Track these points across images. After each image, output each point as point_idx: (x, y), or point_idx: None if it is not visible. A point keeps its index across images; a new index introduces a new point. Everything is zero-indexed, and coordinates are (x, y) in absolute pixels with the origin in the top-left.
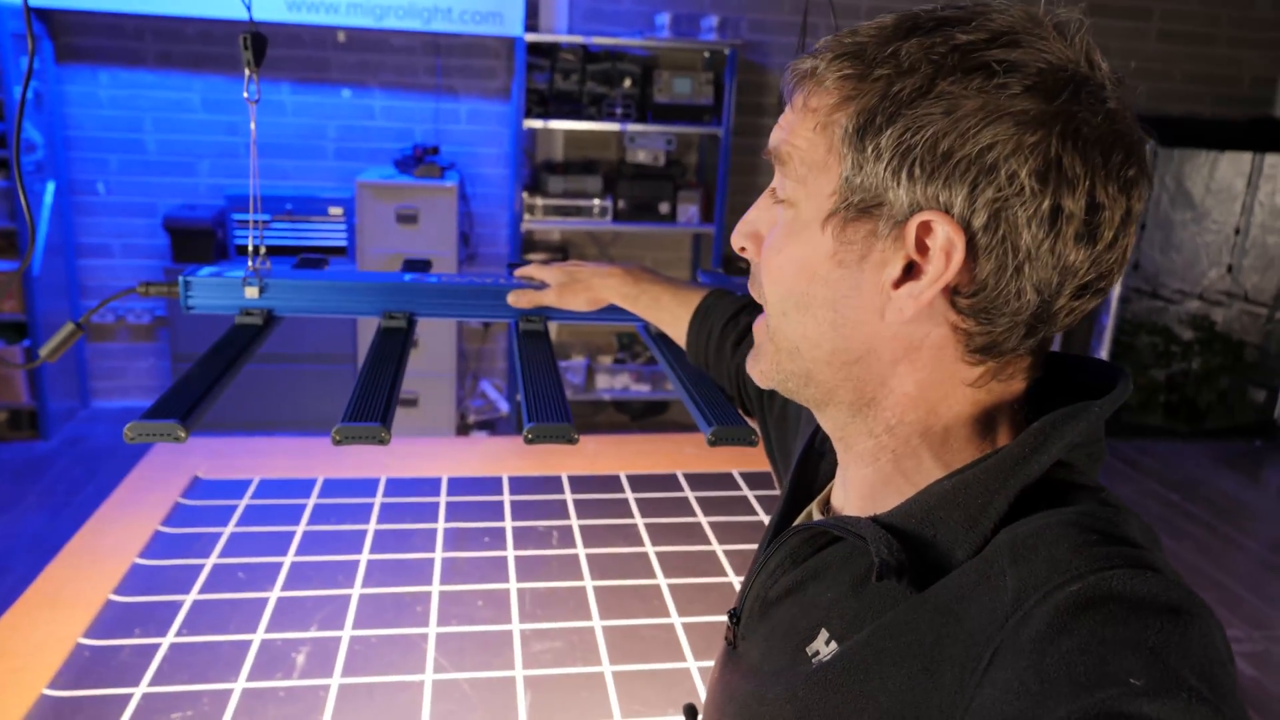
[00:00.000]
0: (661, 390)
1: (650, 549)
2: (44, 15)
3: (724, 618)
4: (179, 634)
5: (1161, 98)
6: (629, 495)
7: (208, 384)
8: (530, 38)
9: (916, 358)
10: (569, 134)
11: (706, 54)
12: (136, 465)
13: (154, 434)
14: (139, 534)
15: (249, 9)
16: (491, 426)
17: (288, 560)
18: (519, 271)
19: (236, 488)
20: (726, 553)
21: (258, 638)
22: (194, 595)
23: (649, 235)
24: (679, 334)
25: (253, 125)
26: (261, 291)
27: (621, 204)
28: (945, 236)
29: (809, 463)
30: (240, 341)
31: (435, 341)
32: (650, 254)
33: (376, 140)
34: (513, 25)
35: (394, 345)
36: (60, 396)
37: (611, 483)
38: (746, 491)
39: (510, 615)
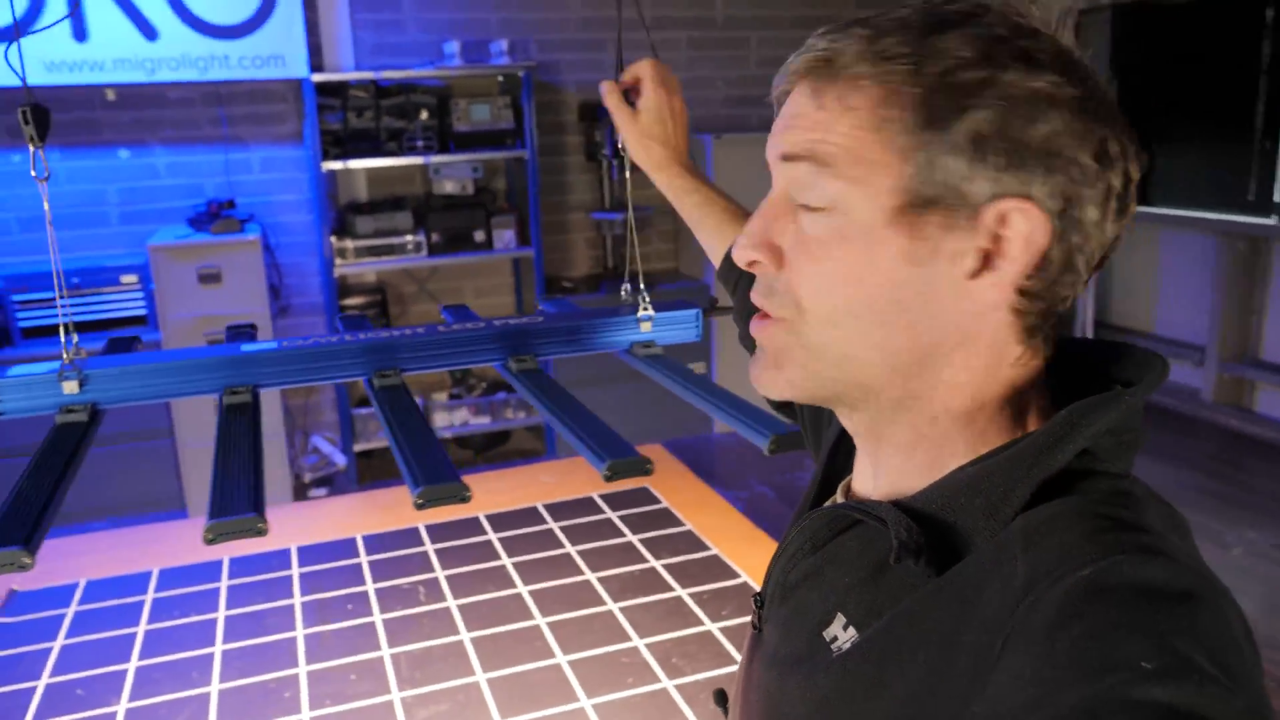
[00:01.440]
0: (502, 420)
1: (523, 589)
2: None
3: (612, 648)
4: None
5: None
6: (491, 535)
7: (45, 498)
8: (317, 78)
9: (975, 346)
10: (371, 172)
11: (501, 78)
12: None
13: None
14: None
15: (23, 78)
16: (330, 482)
17: (132, 666)
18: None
19: (61, 595)
20: (601, 580)
21: None
22: None
23: (466, 265)
24: (712, 246)
25: (46, 205)
26: (82, 385)
27: (435, 237)
28: (1028, 224)
29: (841, 448)
30: (68, 443)
31: None
32: (471, 282)
33: (165, 199)
34: (297, 67)
35: (243, 422)
36: None
37: (472, 526)
38: (610, 514)
39: (388, 684)
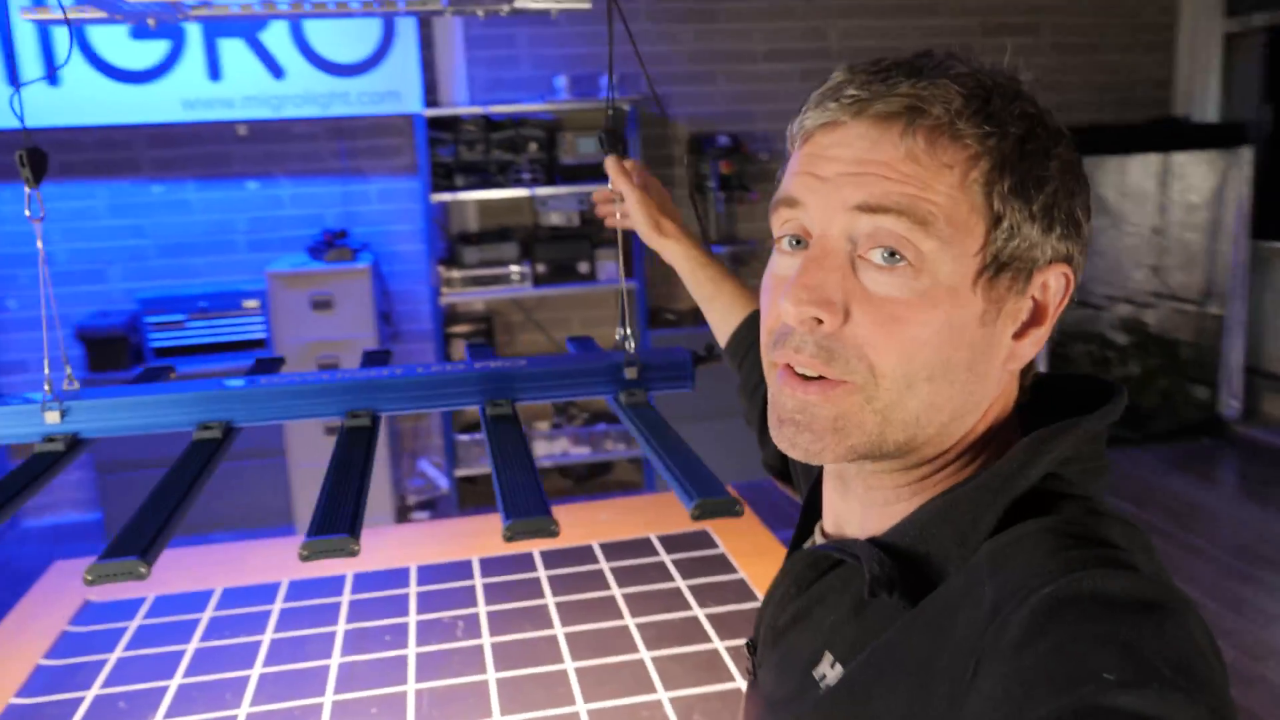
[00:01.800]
0: (602, 451)
1: (559, 630)
2: None
3: (634, 699)
4: None
5: (1062, 109)
6: (541, 573)
7: (167, 512)
8: (430, 113)
9: (1000, 397)
10: (481, 204)
11: (609, 111)
12: (26, 594)
13: (114, 574)
14: (18, 670)
15: (21, 118)
16: (433, 506)
17: (174, 684)
18: (600, 193)
19: (128, 608)
20: (640, 625)
21: None
22: None
23: (572, 296)
24: (724, 321)
25: (39, 244)
26: (63, 415)
27: (540, 268)
28: (1063, 286)
29: (819, 490)
30: (198, 460)
31: (356, 364)
32: (578, 313)
33: (287, 229)
34: (412, 102)
35: (360, 447)
36: None
37: (524, 561)
38: (664, 556)
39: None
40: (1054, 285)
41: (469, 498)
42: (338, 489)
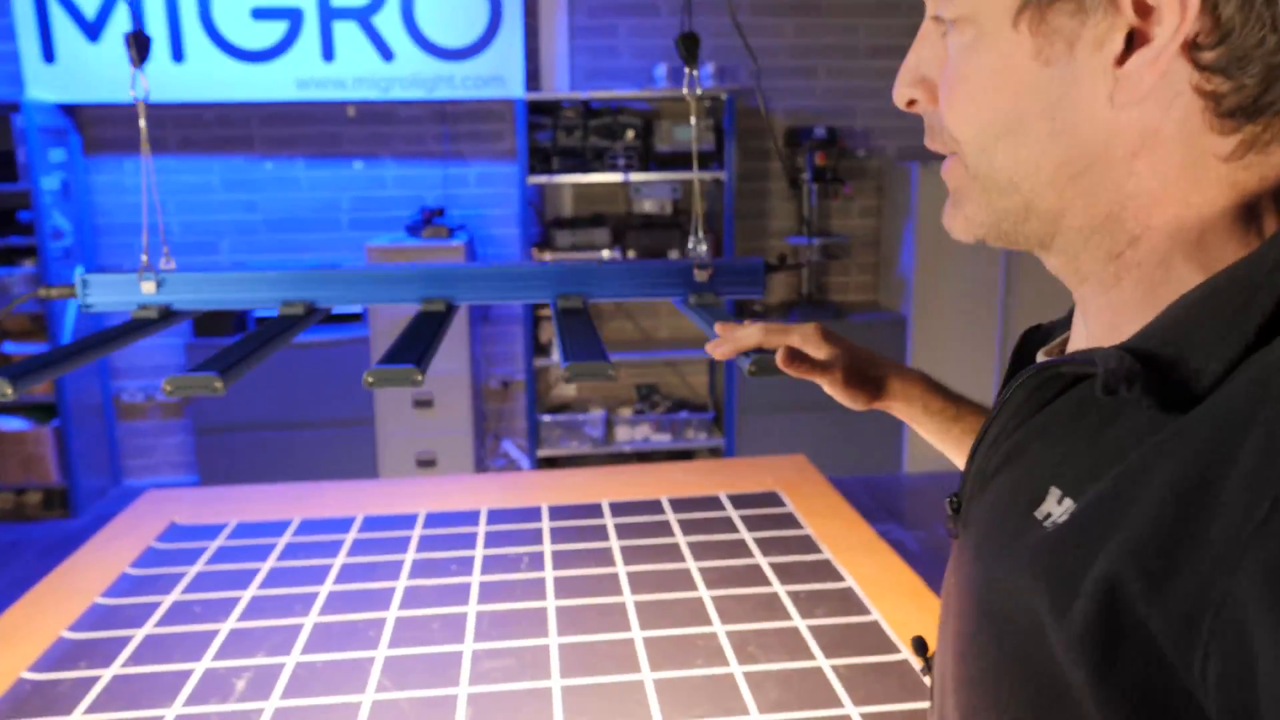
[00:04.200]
0: (683, 439)
1: (621, 568)
2: (71, 110)
3: (690, 630)
4: (123, 666)
5: None
6: (608, 520)
7: (249, 350)
8: (531, 96)
9: (1158, 144)
10: (576, 190)
11: (708, 102)
12: (118, 514)
13: (193, 387)
14: (106, 576)
15: (136, 16)
16: None
17: (247, 594)
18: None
19: (211, 531)
20: (702, 569)
21: (201, 666)
22: (146, 630)
23: None
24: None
25: (142, 123)
26: (159, 286)
27: (631, 253)
28: None
29: (1026, 348)
30: (281, 326)
31: (452, 400)
32: (667, 303)
33: (389, 209)
34: (514, 87)
35: (433, 321)
36: (91, 475)
37: (592, 510)
38: (731, 511)
39: (464, 636)
40: None
41: None
42: (408, 340)
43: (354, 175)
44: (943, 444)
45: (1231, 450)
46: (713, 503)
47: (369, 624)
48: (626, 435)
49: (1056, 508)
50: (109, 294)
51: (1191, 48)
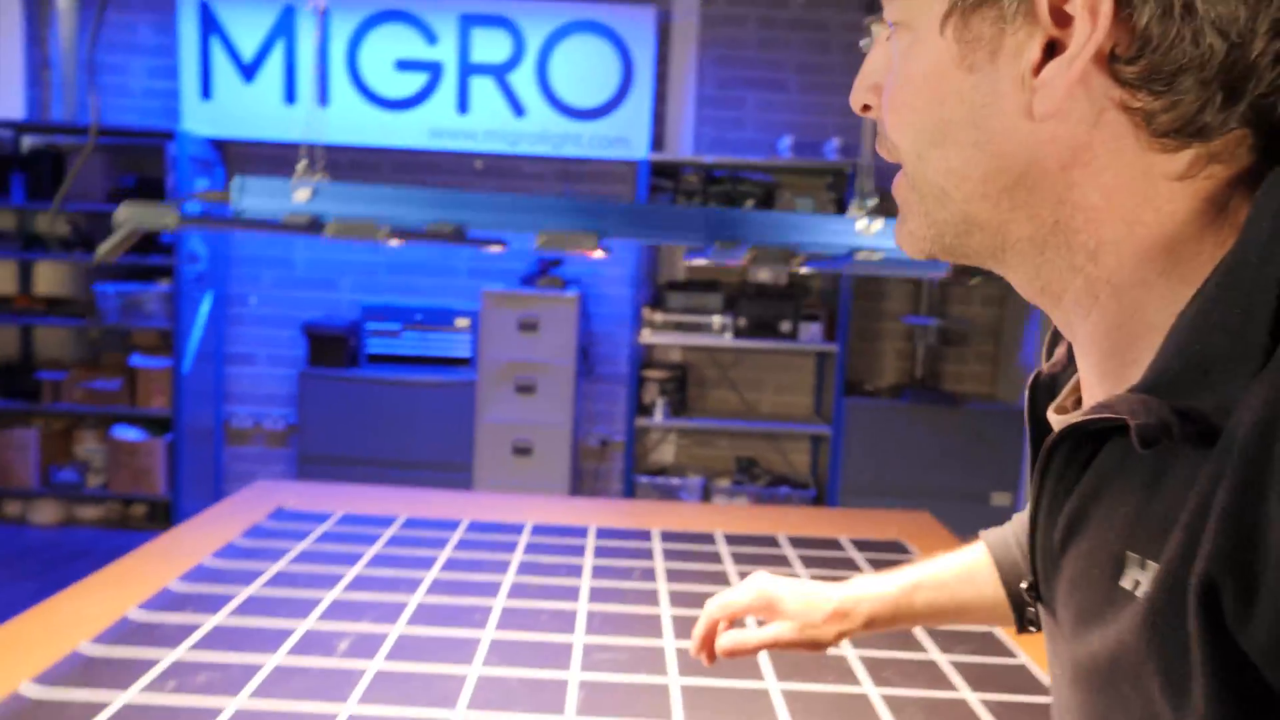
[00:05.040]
0: None
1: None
2: (220, 145)
3: None
4: (228, 616)
5: None
6: (723, 549)
7: None
8: (654, 157)
9: (1090, 159)
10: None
11: (830, 177)
12: (230, 495)
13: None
14: (215, 542)
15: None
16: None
17: (352, 572)
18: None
19: (318, 517)
20: None
21: (304, 626)
22: (250, 590)
23: (770, 356)
24: (986, 596)
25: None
26: (313, 194)
27: (742, 321)
28: None
29: (1037, 394)
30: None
31: (551, 451)
32: (772, 376)
33: (506, 261)
34: (639, 149)
35: None
36: (195, 494)
37: (705, 539)
38: (852, 552)
39: (574, 628)
40: None
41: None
42: None
43: None
44: (924, 618)
45: (1270, 464)
46: (833, 544)
47: (475, 608)
48: (724, 503)
49: (1141, 573)
50: (263, 198)
51: (1110, 60)
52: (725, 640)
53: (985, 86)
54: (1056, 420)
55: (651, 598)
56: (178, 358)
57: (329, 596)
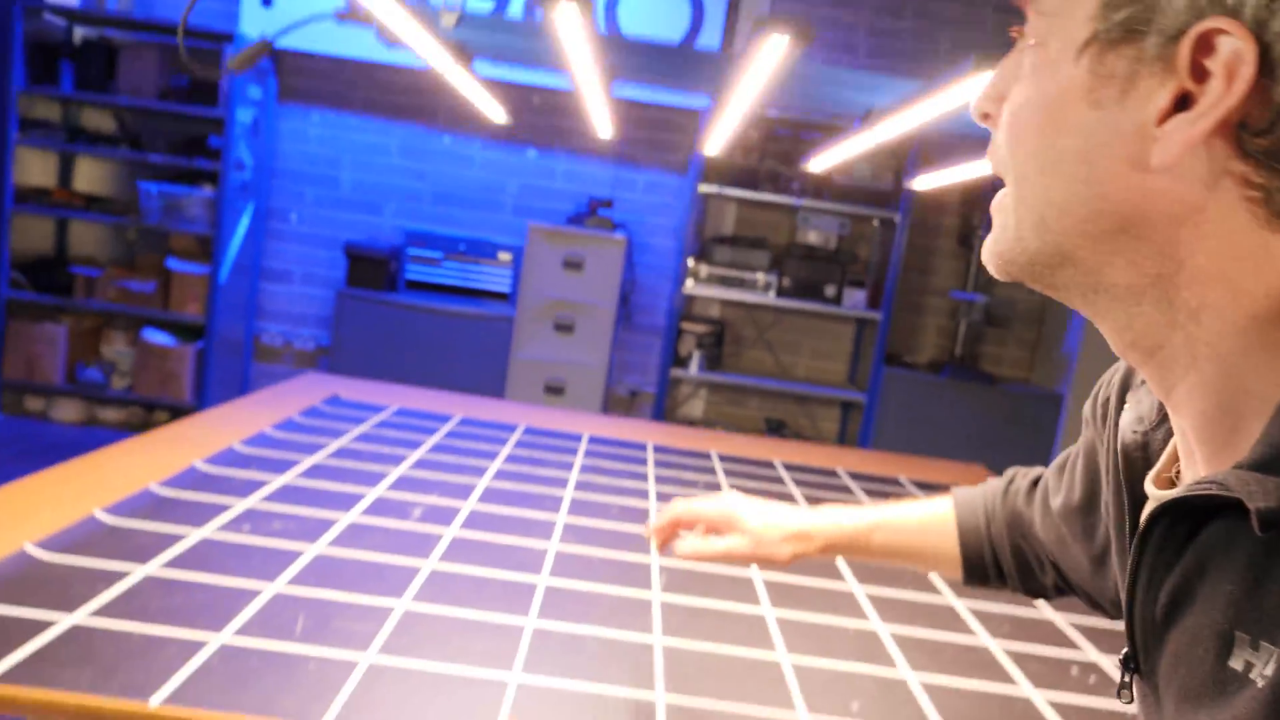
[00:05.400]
0: None
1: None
2: (274, 54)
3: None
4: (297, 477)
5: None
6: (781, 473)
7: None
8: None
9: (1201, 221)
10: (741, 212)
11: (890, 146)
12: (287, 380)
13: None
14: (275, 417)
15: None
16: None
17: (416, 454)
18: (659, 523)
19: (374, 408)
20: None
21: (374, 493)
22: (316, 459)
23: (810, 321)
24: (941, 549)
25: None
26: (458, 21)
27: (786, 281)
28: (1230, 49)
29: (1130, 460)
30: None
31: (584, 392)
32: (809, 341)
33: (553, 200)
34: (701, 98)
35: None
36: (219, 405)
37: (766, 465)
38: (911, 488)
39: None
40: (1224, 49)
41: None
42: None
43: (525, 162)
44: (877, 554)
45: None
46: (893, 482)
47: (546, 496)
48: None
49: (1254, 655)
50: (408, 23)
51: (1240, 129)
52: (686, 546)
53: (1107, 125)
54: (1158, 493)
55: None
56: (216, 265)
57: (395, 472)
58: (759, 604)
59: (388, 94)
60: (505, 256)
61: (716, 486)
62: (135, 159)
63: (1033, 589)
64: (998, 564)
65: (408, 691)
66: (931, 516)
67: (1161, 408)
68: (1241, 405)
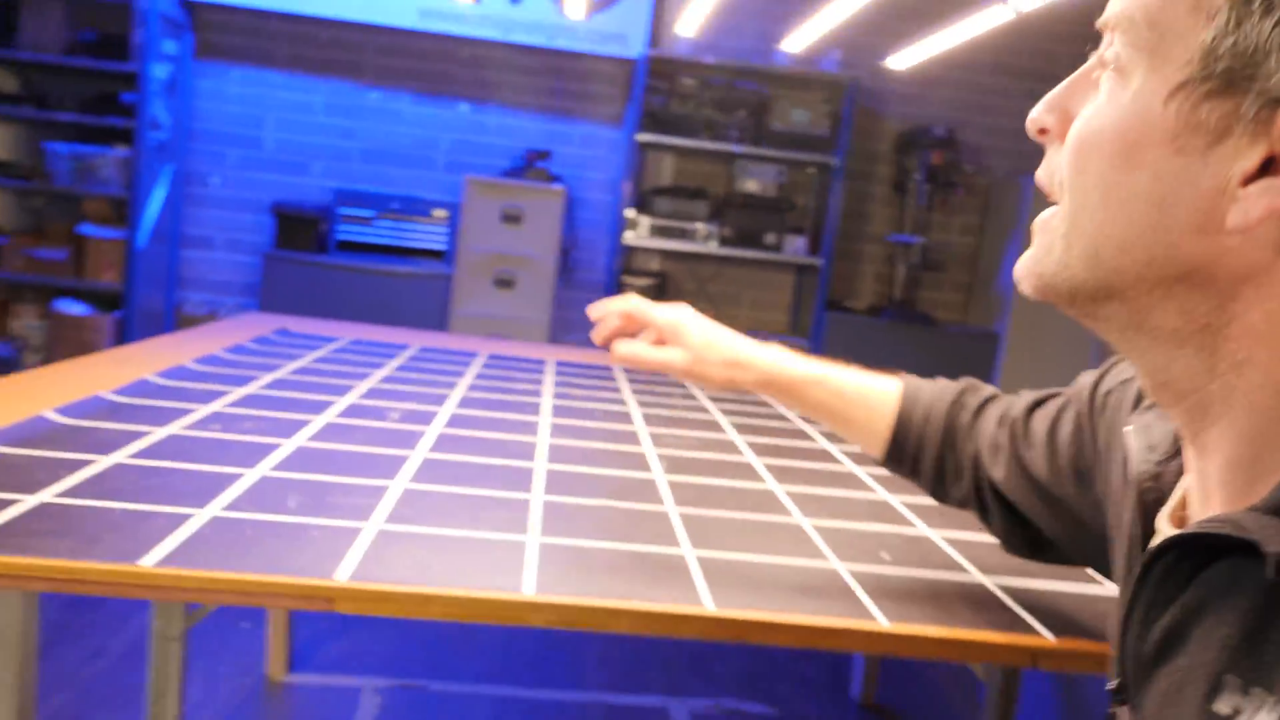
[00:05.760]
0: None
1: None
2: (190, 7)
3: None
4: (261, 388)
5: None
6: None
7: None
8: (654, 53)
9: (1266, 282)
10: (679, 162)
11: (826, 91)
12: (235, 316)
13: None
14: (225, 341)
15: None
16: None
17: (380, 373)
18: (607, 308)
19: (325, 340)
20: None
21: (347, 400)
22: (278, 374)
23: (751, 271)
24: (872, 424)
25: None
26: None
27: (727, 231)
28: None
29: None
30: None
31: (532, 285)
32: (750, 292)
33: (487, 156)
34: (635, 46)
35: None
36: (151, 288)
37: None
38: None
39: (631, 423)
40: None
41: None
42: None
43: (457, 116)
44: (809, 406)
45: None
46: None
47: (524, 403)
48: None
49: (1243, 700)
50: None
51: None
52: (625, 349)
53: (1187, 174)
54: (1168, 529)
55: (697, 407)
56: (132, 229)
57: (363, 385)
58: (764, 482)
59: (312, 49)
60: (440, 214)
61: (692, 397)
62: (41, 118)
63: (938, 494)
64: (916, 461)
65: (425, 552)
66: (872, 391)
67: (1175, 441)
68: (1268, 457)
